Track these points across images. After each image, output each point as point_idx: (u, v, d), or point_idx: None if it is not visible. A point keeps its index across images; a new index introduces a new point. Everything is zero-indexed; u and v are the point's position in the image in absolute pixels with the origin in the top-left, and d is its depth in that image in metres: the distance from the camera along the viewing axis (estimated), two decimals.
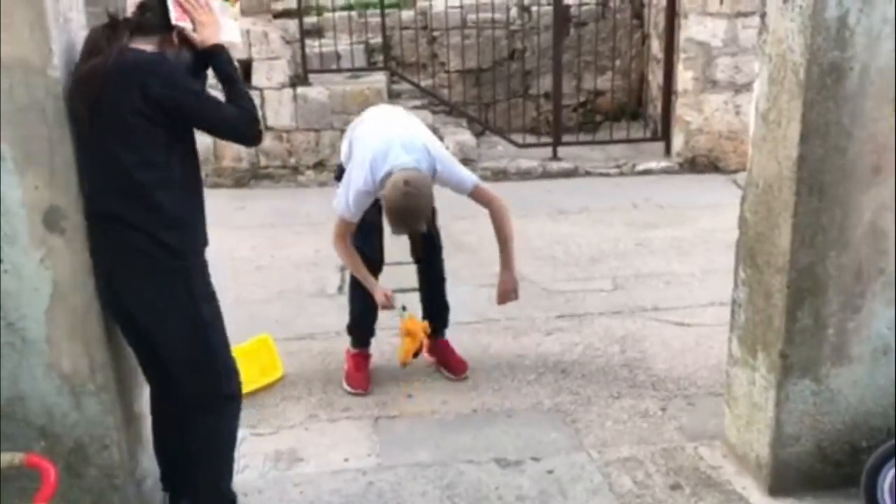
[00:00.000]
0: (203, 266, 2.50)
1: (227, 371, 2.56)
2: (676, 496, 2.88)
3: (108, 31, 2.30)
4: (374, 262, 3.60)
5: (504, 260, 3.59)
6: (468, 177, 3.44)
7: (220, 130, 2.47)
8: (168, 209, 2.34)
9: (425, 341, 3.63)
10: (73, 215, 2.34)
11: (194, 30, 2.37)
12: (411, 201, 3.16)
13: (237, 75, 2.49)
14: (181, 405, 2.55)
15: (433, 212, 3.51)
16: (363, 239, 3.50)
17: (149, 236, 2.33)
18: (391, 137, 3.30)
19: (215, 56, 2.41)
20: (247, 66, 6.31)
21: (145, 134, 2.28)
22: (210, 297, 2.50)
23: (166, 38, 2.36)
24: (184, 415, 2.56)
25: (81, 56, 2.30)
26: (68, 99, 2.28)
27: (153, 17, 2.34)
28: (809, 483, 2.82)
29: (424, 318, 3.70)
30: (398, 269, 3.92)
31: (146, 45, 2.33)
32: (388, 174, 3.20)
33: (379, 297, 3.50)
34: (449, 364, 3.72)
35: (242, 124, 2.41)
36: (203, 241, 2.51)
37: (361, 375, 3.61)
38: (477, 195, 3.47)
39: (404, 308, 3.55)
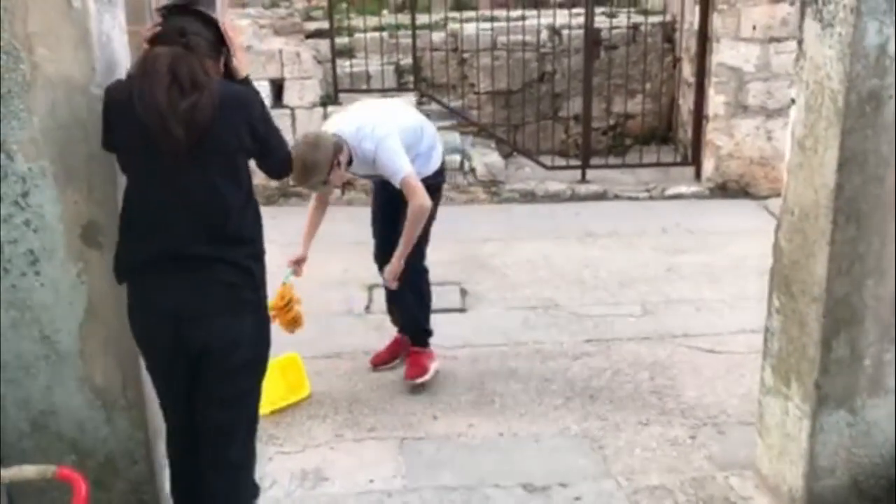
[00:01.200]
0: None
1: (254, 442, 2.52)
2: None
3: (197, 59, 2.20)
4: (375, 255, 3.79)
5: (398, 250, 3.57)
6: (401, 169, 3.41)
7: (275, 164, 2.47)
8: (257, 241, 2.37)
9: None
10: (111, 230, 2.37)
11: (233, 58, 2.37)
12: (299, 151, 3.24)
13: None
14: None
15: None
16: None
17: (235, 267, 2.28)
18: (355, 112, 3.59)
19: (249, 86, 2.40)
20: (279, 85, 6.39)
21: (244, 170, 2.30)
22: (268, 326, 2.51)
23: (215, 66, 2.29)
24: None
25: (165, 85, 2.13)
26: (140, 128, 2.15)
27: (203, 43, 2.24)
28: None
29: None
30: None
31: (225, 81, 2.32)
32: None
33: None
34: (406, 368, 3.80)
35: (288, 160, 2.49)
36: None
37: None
38: (404, 185, 3.45)
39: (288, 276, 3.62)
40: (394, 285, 3.63)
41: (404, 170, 3.42)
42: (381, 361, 3.93)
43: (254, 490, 2.61)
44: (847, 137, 2.47)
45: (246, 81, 2.39)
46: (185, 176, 2.19)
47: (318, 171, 3.34)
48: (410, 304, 3.79)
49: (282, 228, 5.90)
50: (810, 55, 2.60)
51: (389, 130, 3.44)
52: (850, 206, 2.52)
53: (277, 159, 2.44)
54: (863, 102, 2.44)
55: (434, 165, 3.66)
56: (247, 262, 2.31)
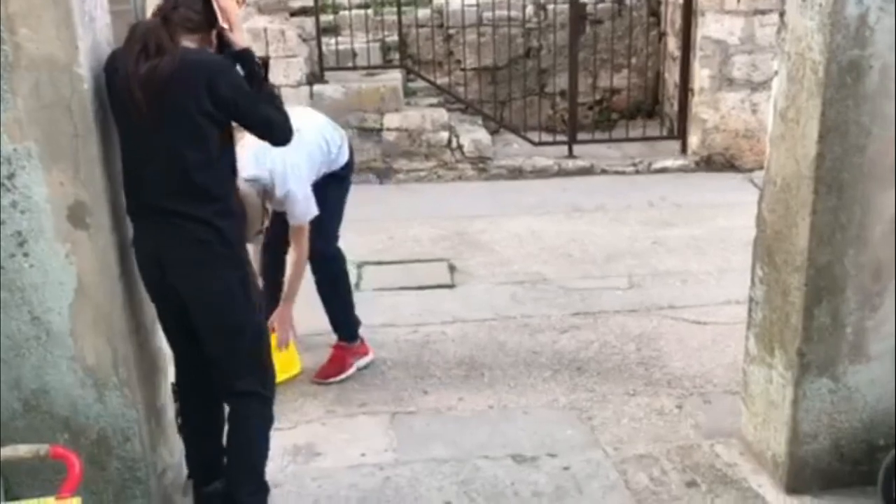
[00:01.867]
0: (248, 258, 2.63)
1: (265, 369, 2.65)
2: (692, 493, 2.89)
3: (166, 28, 2.36)
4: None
5: (285, 294, 3.57)
6: (301, 215, 3.36)
7: (262, 128, 2.52)
8: (223, 201, 2.46)
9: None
10: (98, 210, 2.38)
11: (231, 30, 2.47)
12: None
13: (266, 77, 2.55)
14: (215, 395, 2.65)
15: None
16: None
17: (205, 224, 2.42)
18: (263, 152, 3.19)
19: (247, 58, 2.48)
20: (264, 63, 6.35)
21: (208, 132, 2.37)
22: (256, 286, 2.64)
23: (207, 38, 2.45)
24: (216, 404, 2.67)
25: (135, 52, 2.33)
26: (115, 95, 2.35)
27: (198, 17, 2.42)
28: (826, 481, 2.83)
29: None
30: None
31: (190, 43, 2.41)
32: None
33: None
34: (323, 363, 3.73)
35: (282, 124, 2.51)
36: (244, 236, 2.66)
37: None
38: (295, 230, 3.42)
39: None
40: (284, 338, 3.56)
41: (301, 218, 3.37)
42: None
43: (271, 419, 2.71)
44: (828, 108, 2.50)
45: (246, 55, 2.48)
46: (150, 135, 2.36)
47: (253, 224, 3.12)
48: (326, 296, 3.70)
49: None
50: (792, 27, 2.62)
51: (297, 173, 3.29)
52: (831, 175, 2.56)
53: (255, 122, 2.47)
54: (843, 73, 2.47)
55: (342, 161, 3.59)
56: (215, 220, 2.42)
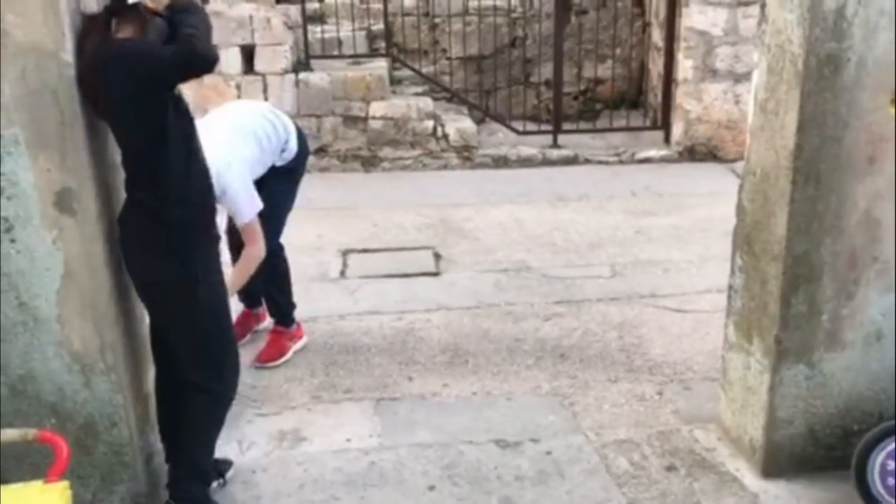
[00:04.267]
0: (206, 249, 2.59)
1: (218, 366, 2.67)
2: (671, 477, 2.94)
3: (91, 19, 2.41)
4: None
5: (231, 280, 3.40)
6: (244, 214, 3.29)
7: (171, 71, 2.37)
8: (171, 185, 2.45)
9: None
10: (85, 197, 2.39)
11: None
12: None
13: (195, 8, 2.47)
14: (176, 381, 2.68)
15: None
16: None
17: (150, 211, 2.45)
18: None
19: (176, 11, 2.42)
20: (250, 51, 6.34)
21: (134, 118, 2.39)
22: (212, 282, 2.59)
23: (136, 19, 2.41)
24: (178, 390, 2.69)
25: (77, 47, 2.36)
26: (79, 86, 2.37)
27: (116, 4, 2.40)
28: (801, 465, 2.89)
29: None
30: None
31: (129, 30, 2.40)
32: None
33: None
34: (262, 347, 3.76)
35: (179, 57, 2.34)
36: (210, 225, 2.60)
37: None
38: (244, 230, 3.37)
39: None
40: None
41: (247, 215, 3.30)
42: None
43: (226, 406, 2.77)
44: (806, 100, 2.55)
45: (173, 12, 2.40)
46: (101, 126, 2.47)
47: None
48: (266, 285, 3.71)
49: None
50: (772, 19, 2.67)
51: (234, 171, 3.20)
52: (808, 166, 2.61)
53: (165, 64, 2.36)
54: (821, 65, 2.52)
55: (291, 154, 3.57)
56: (160, 207, 2.45)
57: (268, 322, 3.91)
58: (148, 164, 2.44)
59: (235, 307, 3.49)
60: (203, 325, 2.60)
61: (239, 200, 3.24)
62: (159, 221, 2.46)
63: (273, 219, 3.52)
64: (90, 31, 2.38)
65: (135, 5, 2.43)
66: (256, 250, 3.38)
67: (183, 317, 2.58)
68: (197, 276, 2.55)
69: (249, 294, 3.83)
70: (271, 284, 3.74)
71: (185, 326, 2.59)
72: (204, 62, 2.38)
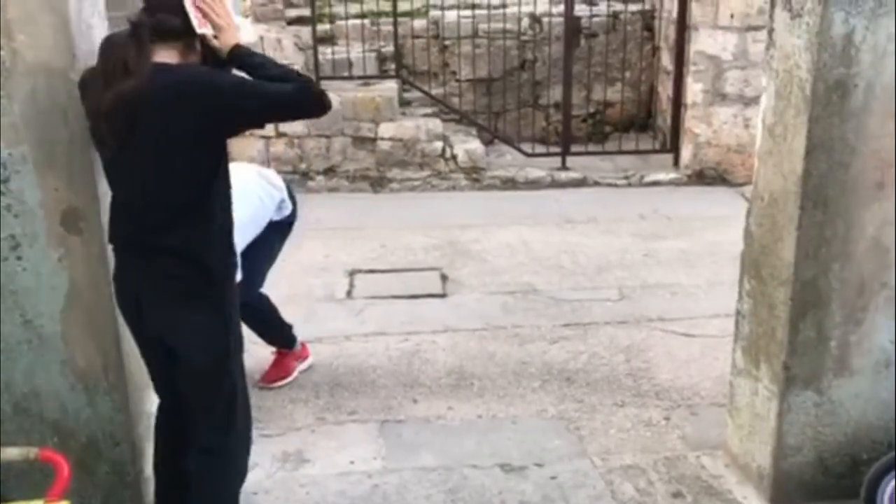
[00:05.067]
0: (234, 294, 2.39)
1: (234, 426, 2.44)
2: None
3: (135, 42, 2.13)
4: None
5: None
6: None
7: (283, 107, 2.21)
8: (214, 229, 2.26)
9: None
10: (91, 216, 2.40)
11: (215, 36, 2.25)
12: None
13: (269, 59, 2.33)
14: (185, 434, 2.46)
15: None
16: None
17: (186, 261, 2.22)
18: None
19: (239, 56, 2.25)
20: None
21: (191, 156, 2.16)
22: (237, 326, 2.43)
23: (190, 45, 2.24)
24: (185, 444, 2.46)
25: (105, 71, 2.13)
26: (89, 121, 2.22)
27: (174, 24, 2.19)
28: (810, 494, 2.85)
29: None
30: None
31: (169, 54, 2.19)
32: None
33: None
34: (268, 368, 3.74)
35: (303, 93, 2.17)
36: (235, 267, 2.44)
37: None
38: None
39: None
40: None
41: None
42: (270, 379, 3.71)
43: (235, 476, 2.56)
44: (814, 125, 2.54)
45: (235, 56, 2.25)
46: (127, 170, 2.21)
47: None
48: (258, 331, 3.64)
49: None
50: (780, 44, 2.67)
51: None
52: (816, 191, 2.59)
53: (272, 102, 2.17)
54: (829, 91, 2.51)
55: (287, 209, 3.54)
56: (202, 256, 2.23)
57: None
58: (195, 205, 2.20)
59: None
60: (229, 378, 2.38)
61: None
62: (196, 269, 2.22)
63: (260, 273, 3.48)
64: (120, 61, 2.11)
65: (194, 34, 2.21)
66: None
67: (210, 369, 2.34)
68: (229, 327, 2.35)
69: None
70: (263, 328, 3.68)
71: (211, 382, 2.35)
72: (324, 107, 2.22)
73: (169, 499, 2.58)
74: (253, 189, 3.32)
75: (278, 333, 3.75)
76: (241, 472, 2.64)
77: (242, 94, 2.17)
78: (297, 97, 2.18)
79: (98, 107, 2.15)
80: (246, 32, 2.42)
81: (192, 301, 2.28)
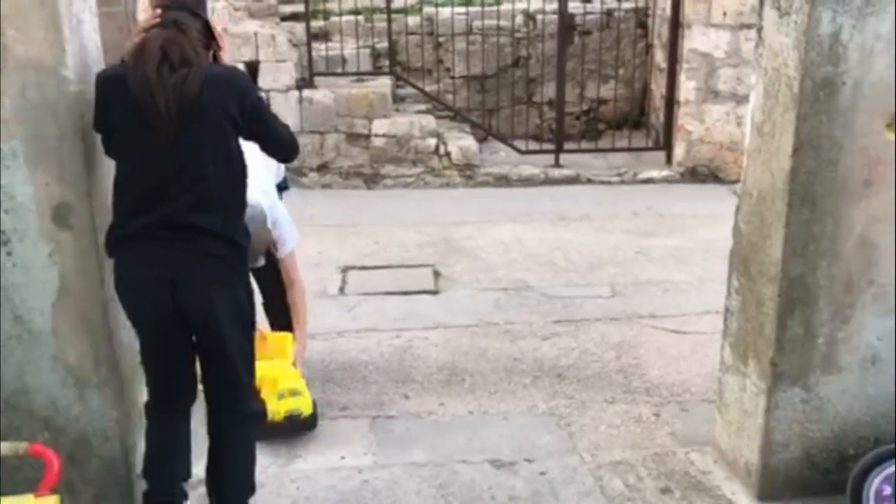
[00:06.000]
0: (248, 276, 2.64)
1: (253, 389, 2.69)
2: (666, 500, 2.92)
3: (187, 40, 2.34)
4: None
5: (298, 336, 3.53)
6: (291, 241, 3.34)
7: (275, 143, 2.56)
8: (243, 213, 2.48)
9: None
10: (82, 211, 2.41)
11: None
12: None
13: (255, 81, 2.66)
14: (186, 416, 2.65)
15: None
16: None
17: (223, 239, 2.38)
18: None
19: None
20: (254, 67, 6.38)
21: (232, 144, 2.39)
22: (254, 306, 2.63)
23: (206, 57, 2.43)
24: (187, 426, 2.65)
25: (156, 63, 2.26)
26: (131, 107, 2.26)
27: (197, 35, 2.39)
28: (797, 489, 2.87)
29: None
30: None
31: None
32: None
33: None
34: None
35: (292, 142, 2.59)
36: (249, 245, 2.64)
37: None
38: (289, 258, 3.39)
39: None
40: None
41: (291, 243, 3.32)
42: None
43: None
44: (802, 123, 2.55)
45: None
46: (176, 148, 2.29)
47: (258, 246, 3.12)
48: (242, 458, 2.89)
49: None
50: (768, 42, 2.68)
51: (279, 201, 3.35)
52: (804, 189, 2.61)
53: (276, 136, 2.53)
54: (817, 89, 2.52)
55: (282, 172, 3.61)
56: (232, 234, 2.41)
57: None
58: (232, 193, 2.42)
59: None
60: (252, 348, 2.59)
61: (286, 229, 3.29)
62: (234, 249, 2.41)
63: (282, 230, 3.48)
64: (181, 49, 2.30)
65: (210, 47, 2.45)
66: (301, 280, 3.46)
67: (244, 344, 2.52)
68: (252, 301, 2.57)
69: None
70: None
71: (245, 355, 2.53)
72: (297, 153, 2.66)
73: (170, 469, 2.65)
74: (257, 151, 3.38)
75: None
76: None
77: (263, 107, 2.52)
78: (287, 140, 2.58)
79: (150, 91, 2.25)
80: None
81: (230, 279, 2.43)
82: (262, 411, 2.79)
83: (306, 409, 3.27)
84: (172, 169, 2.31)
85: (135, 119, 2.27)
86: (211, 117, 2.30)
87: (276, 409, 3.18)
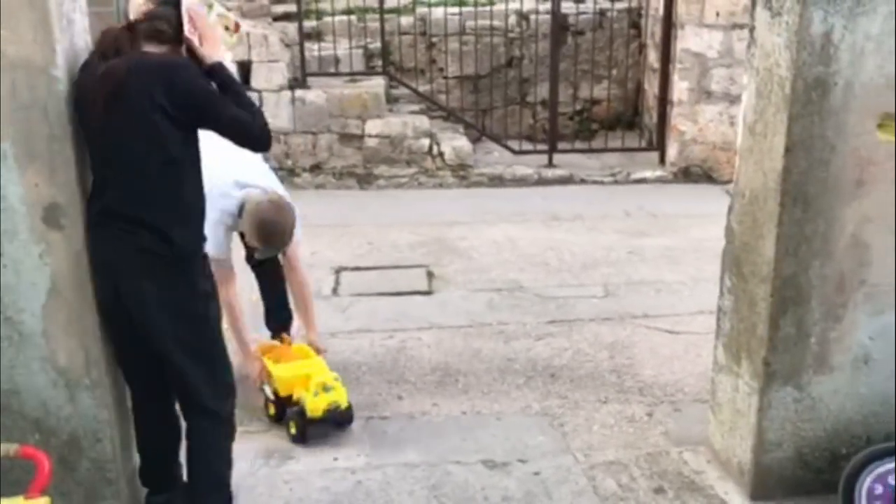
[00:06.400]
0: (205, 264, 2.55)
1: (223, 387, 2.61)
2: (659, 500, 2.92)
3: (129, 34, 2.37)
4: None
5: (307, 323, 3.63)
6: (298, 232, 3.42)
7: (233, 130, 2.45)
8: (183, 206, 2.42)
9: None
10: (72, 212, 2.39)
11: (201, 44, 2.45)
12: (282, 216, 3.26)
13: (241, 88, 2.57)
14: (170, 409, 2.66)
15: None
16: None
17: (158, 234, 2.36)
18: (241, 167, 3.27)
19: (218, 71, 2.46)
20: (246, 68, 6.37)
21: (167, 133, 2.32)
22: (212, 295, 2.56)
23: (176, 49, 2.43)
24: (170, 415, 2.66)
25: (100, 55, 2.35)
26: (79, 97, 2.34)
27: (167, 27, 2.40)
28: (790, 488, 2.87)
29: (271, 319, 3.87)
30: None
31: (158, 50, 2.40)
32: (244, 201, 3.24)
33: (253, 367, 3.46)
34: None
35: (255, 126, 2.45)
36: (203, 241, 2.55)
37: None
38: (294, 250, 3.47)
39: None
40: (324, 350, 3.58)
41: (299, 235, 3.41)
42: None
43: (232, 434, 2.71)
44: (794, 123, 2.56)
45: (215, 70, 2.45)
46: (110, 138, 2.34)
47: (285, 237, 3.26)
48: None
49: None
50: (760, 42, 2.69)
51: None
52: (796, 189, 2.61)
53: (222, 123, 2.41)
54: (809, 89, 2.53)
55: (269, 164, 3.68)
56: (169, 228, 2.37)
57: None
58: (161, 185, 2.36)
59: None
60: (209, 347, 2.54)
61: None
62: (169, 244, 2.37)
63: None
64: (113, 46, 2.34)
65: (182, 38, 2.42)
66: (303, 276, 3.55)
67: (188, 340, 2.48)
68: (207, 291, 2.52)
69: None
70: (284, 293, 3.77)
71: (192, 351, 2.49)
72: (266, 143, 2.54)
73: (157, 462, 2.72)
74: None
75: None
76: (234, 429, 2.74)
77: (210, 96, 2.40)
78: (246, 124, 2.44)
79: (91, 78, 2.32)
80: (229, 64, 2.57)
81: (168, 280, 2.41)
82: (231, 412, 2.66)
83: (343, 402, 3.29)
84: (108, 155, 2.37)
85: (84, 110, 2.36)
86: (135, 104, 2.28)
87: (315, 406, 3.22)
